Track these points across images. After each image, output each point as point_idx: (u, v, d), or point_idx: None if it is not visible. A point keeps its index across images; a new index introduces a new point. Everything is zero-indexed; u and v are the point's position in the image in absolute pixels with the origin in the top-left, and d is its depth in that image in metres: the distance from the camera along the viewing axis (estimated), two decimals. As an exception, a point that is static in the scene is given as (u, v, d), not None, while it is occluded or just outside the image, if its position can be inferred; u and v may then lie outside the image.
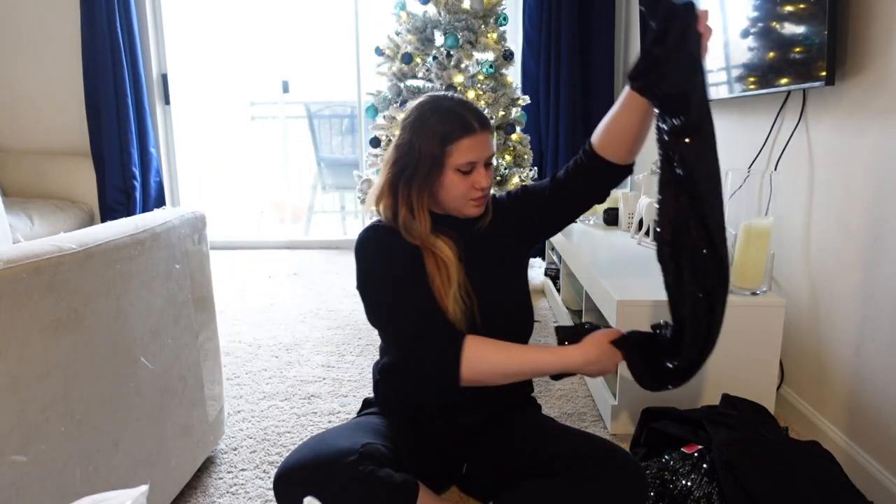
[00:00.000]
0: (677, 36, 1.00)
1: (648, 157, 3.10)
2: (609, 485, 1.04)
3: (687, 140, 1.02)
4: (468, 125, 1.13)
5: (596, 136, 1.19)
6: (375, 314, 1.18)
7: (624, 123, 1.14)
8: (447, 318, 1.13)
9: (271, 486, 1.43)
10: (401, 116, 3.01)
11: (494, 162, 2.96)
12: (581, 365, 1.11)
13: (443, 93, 1.28)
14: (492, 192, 1.26)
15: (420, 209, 1.16)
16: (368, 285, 1.17)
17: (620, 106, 1.13)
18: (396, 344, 1.19)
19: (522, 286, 1.29)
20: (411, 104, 1.21)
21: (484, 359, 1.09)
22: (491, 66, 2.88)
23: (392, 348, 1.24)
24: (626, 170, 1.22)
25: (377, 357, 1.34)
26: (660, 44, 1.01)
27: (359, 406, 1.80)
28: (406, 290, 1.14)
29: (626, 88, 1.10)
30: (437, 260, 1.15)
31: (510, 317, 1.24)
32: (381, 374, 1.29)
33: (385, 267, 1.16)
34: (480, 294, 1.17)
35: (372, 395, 1.38)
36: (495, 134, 2.95)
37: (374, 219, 1.25)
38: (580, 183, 1.23)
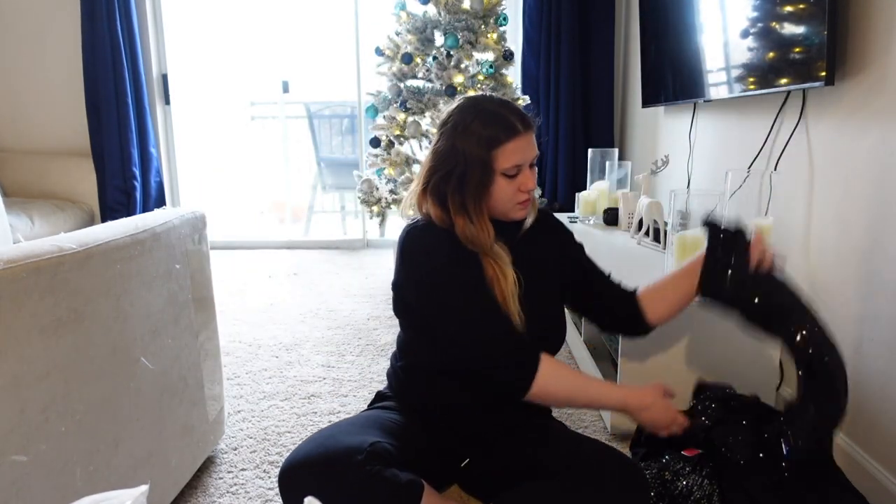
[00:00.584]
0: (724, 253, 1.20)
1: (649, 156, 3.11)
2: (610, 488, 1.04)
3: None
4: (512, 127, 1.10)
5: (647, 287, 1.28)
6: (434, 311, 1.13)
7: (673, 294, 1.28)
8: (517, 327, 1.11)
9: (272, 485, 1.44)
10: (400, 117, 3.01)
11: None
12: (636, 408, 1.13)
13: (482, 94, 1.27)
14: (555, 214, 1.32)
15: (480, 218, 1.12)
16: (428, 281, 1.13)
17: (677, 277, 1.28)
18: (458, 344, 1.12)
19: (559, 300, 1.28)
20: (449, 107, 1.17)
21: (556, 380, 1.09)
22: (491, 66, 2.88)
23: (443, 347, 1.16)
24: (642, 329, 1.30)
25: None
26: (710, 257, 1.22)
27: (359, 406, 1.81)
28: (479, 292, 1.11)
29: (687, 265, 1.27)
30: (496, 269, 1.13)
31: (547, 330, 1.22)
32: (405, 372, 1.25)
33: (451, 265, 1.13)
34: (525, 303, 1.15)
35: (382, 389, 1.35)
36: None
37: (417, 217, 1.21)
38: (607, 301, 1.30)
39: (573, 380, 1.13)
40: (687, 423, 1.17)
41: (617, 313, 1.29)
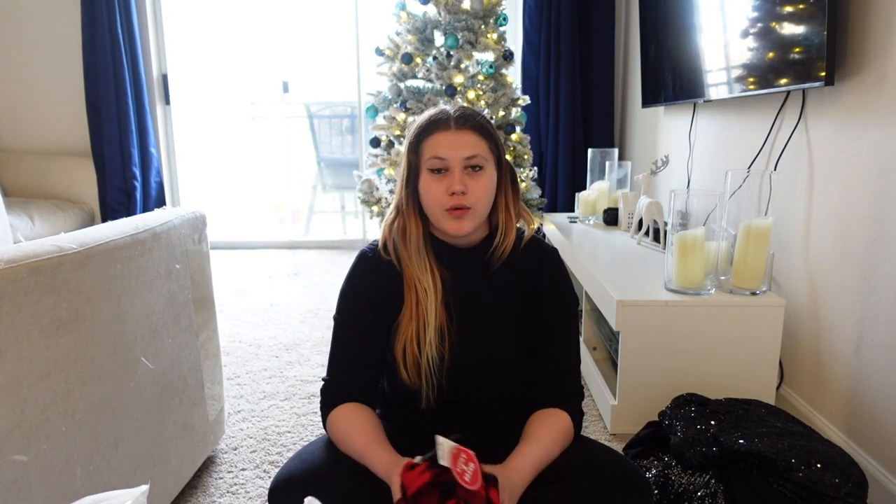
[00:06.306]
0: None
1: (649, 156, 3.11)
2: (611, 490, 1.04)
3: None
4: (442, 121, 1.08)
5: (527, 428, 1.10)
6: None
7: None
8: (357, 378, 1.12)
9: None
10: (401, 117, 3.02)
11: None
12: (384, 476, 1.00)
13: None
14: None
15: (409, 212, 1.10)
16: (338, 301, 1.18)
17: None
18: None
19: (513, 343, 1.15)
20: None
21: (336, 430, 1.08)
22: (491, 67, 2.88)
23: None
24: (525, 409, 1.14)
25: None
26: None
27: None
28: (341, 332, 1.15)
29: None
30: (413, 307, 1.10)
31: (482, 372, 1.14)
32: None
33: (348, 296, 1.17)
34: (455, 341, 1.10)
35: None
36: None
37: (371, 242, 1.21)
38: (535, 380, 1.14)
39: (349, 436, 1.06)
40: None
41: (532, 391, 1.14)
